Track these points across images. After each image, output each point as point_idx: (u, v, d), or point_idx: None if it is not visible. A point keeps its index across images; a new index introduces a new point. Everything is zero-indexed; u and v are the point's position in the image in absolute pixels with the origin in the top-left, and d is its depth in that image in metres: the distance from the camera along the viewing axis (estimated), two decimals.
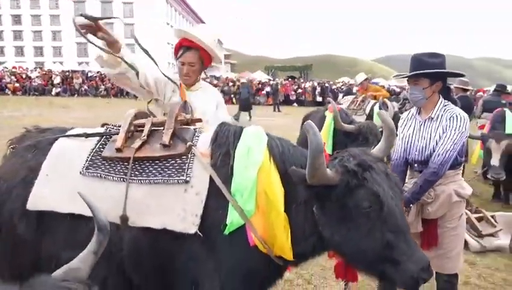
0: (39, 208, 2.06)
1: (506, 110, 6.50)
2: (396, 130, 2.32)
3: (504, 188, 6.31)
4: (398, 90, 26.47)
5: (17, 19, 54.89)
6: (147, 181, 2.03)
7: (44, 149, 2.21)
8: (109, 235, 1.35)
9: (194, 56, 2.82)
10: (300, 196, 1.92)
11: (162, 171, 2.05)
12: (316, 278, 3.70)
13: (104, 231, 1.33)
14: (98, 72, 33.61)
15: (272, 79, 33.83)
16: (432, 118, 2.66)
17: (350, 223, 1.79)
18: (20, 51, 55.06)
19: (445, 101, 2.69)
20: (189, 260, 1.97)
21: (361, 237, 1.76)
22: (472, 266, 4.10)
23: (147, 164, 2.08)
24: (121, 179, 2.05)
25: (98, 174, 2.09)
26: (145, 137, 2.16)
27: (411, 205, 2.60)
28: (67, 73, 31.85)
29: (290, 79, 34.85)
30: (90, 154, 2.17)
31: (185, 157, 2.07)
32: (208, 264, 1.95)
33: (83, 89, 29.50)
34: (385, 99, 7.58)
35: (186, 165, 2.04)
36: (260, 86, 30.05)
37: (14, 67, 32.81)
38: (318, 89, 28.50)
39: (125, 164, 2.09)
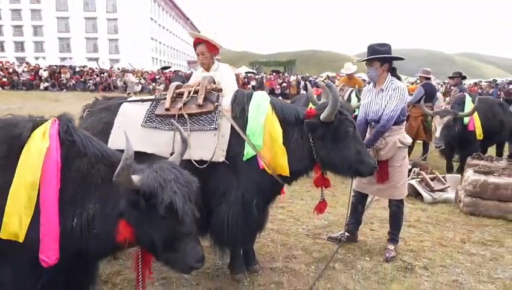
0: (116, 148, 3.04)
1: (466, 94, 7.61)
2: None
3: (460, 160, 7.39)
4: None
5: None
6: (188, 129, 3.04)
7: (115, 110, 3.20)
8: (187, 145, 2.37)
9: (202, 48, 3.79)
10: (297, 133, 3.00)
11: (198, 123, 3.08)
12: (303, 214, 4.75)
13: (185, 141, 2.36)
14: (84, 67, 34.08)
15: (256, 73, 34.83)
16: (383, 89, 3.74)
17: (339, 143, 2.96)
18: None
19: (392, 77, 3.76)
20: (220, 179, 3.00)
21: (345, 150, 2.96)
22: (424, 211, 5.23)
23: (188, 118, 3.09)
24: (170, 129, 3.06)
25: (154, 126, 3.10)
26: (185, 100, 3.17)
27: (368, 150, 3.67)
28: (54, 67, 32.15)
29: (274, 73, 35.86)
30: (147, 113, 3.18)
31: (213, 113, 3.08)
32: (232, 181, 2.98)
33: (71, 83, 29.93)
34: (360, 88, 8.69)
35: (215, 118, 3.06)
36: (246, 80, 31.02)
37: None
38: (302, 83, 29.65)
39: (172, 118, 3.10)
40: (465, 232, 4.51)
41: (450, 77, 9.02)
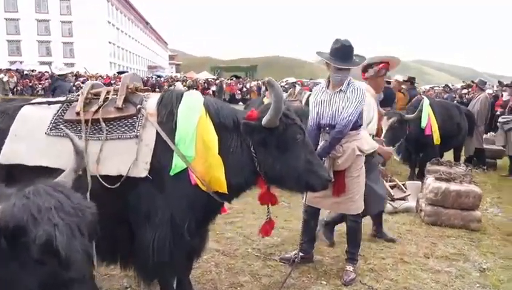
0: (10, 162, 2.42)
1: (424, 97, 7.50)
2: None
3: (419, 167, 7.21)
4: None
5: None
6: (103, 138, 2.47)
7: (13, 114, 2.57)
8: (84, 159, 1.80)
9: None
10: (236, 141, 2.48)
11: (116, 129, 2.51)
12: (255, 231, 4.25)
13: (80, 154, 1.79)
14: (33, 71, 32.11)
15: (216, 78, 34.26)
16: (342, 90, 3.31)
17: (286, 152, 2.49)
18: None
19: (352, 79, 3.36)
20: (142, 198, 2.44)
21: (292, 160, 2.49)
22: (385, 223, 4.84)
23: (104, 124, 2.52)
24: (80, 137, 2.47)
25: (61, 134, 2.49)
26: (102, 102, 2.60)
27: (323, 159, 3.23)
28: None
29: (234, 78, 35.40)
30: (53, 118, 2.58)
31: (135, 117, 2.53)
32: (158, 200, 2.44)
33: (18, 88, 28.05)
34: None
35: (137, 123, 2.50)
36: (206, 85, 30.36)
37: None
38: (263, 88, 29.35)
39: (85, 124, 2.52)
40: (428, 245, 4.18)
41: (405, 80, 8.97)
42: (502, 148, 7.94)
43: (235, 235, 4.26)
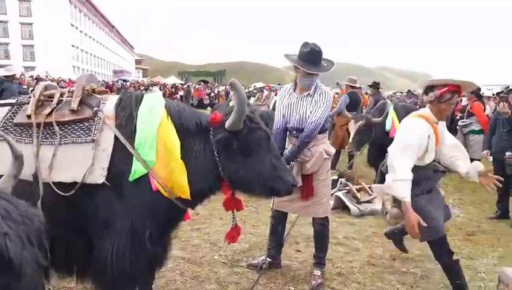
0: None
1: (387, 101, 7.67)
2: None
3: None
4: None
5: None
6: (57, 142, 2.32)
7: None
8: (23, 164, 1.66)
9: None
10: (198, 145, 2.38)
11: (71, 133, 2.36)
12: (222, 238, 4.16)
13: (19, 158, 1.64)
14: None
15: (184, 83, 33.91)
16: (309, 94, 3.29)
17: (250, 157, 2.38)
18: None
19: (319, 83, 3.34)
20: (100, 205, 2.30)
21: (257, 165, 2.38)
22: (352, 226, 4.91)
23: (58, 127, 2.36)
24: (31, 142, 2.32)
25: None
26: (55, 105, 2.44)
27: (291, 163, 3.19)
28: None
29: (202, 83, 35.16)
30: (1, 122, 2.40)
31: (92, 120, 2.39)
32: (117, 208, 2.30)
33: None
34: None
35: (93, 126, 2.36)
36: (173, 90, 29.95)
37: None
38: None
39: (37, 128, 2.35)
40: (394, 247, 4.18)
41: (369, 85, 9.19)
42: None
43: (202, 242, 4.14)
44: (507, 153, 5.15)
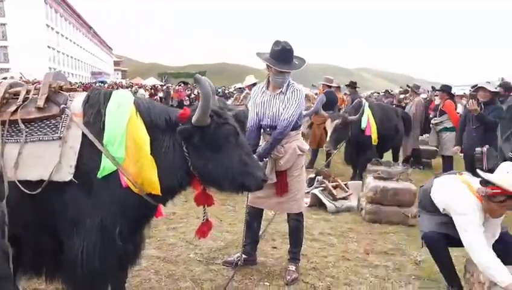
0: None
1: (363, 99, 7.79)
2: None
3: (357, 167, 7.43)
4: None
5: None
6: (22, 140, 2.28)
7: None
8: None
9: None
10: (168, 141, 2.38)
11: (37, 131, 2.33)
12: None
13: None
14: None
15: (163, 84, 33.56)
16: (282, 92, 3.32)
17: (219, 152, 2.38)
18: None
19: (292, 81, 3.37)
20: (68, 203, 2.27)
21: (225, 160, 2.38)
22: (327, 222, 4.96)
23: (23, 125, 2.32)
24: None
25: None
26: (21, 102, 2.39)
27: (265, 159, 3.21)
28: None
29: (182, 84, 34.88)
30: None
31: (59, 117, 2.35)
32: (86, 205, 2.27)
33: None
34: None
35: (60, 124, 2.33)
36: (153, 91, 29.63)
37: None
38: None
39: (1, 126, 2.31)
40: (369, 242, 4.30)
41: (347, 85, 9.31)
42: (435, 148, 8.42)
43: (178, 241, 4.12)
44: (477, 149, 5.32)
